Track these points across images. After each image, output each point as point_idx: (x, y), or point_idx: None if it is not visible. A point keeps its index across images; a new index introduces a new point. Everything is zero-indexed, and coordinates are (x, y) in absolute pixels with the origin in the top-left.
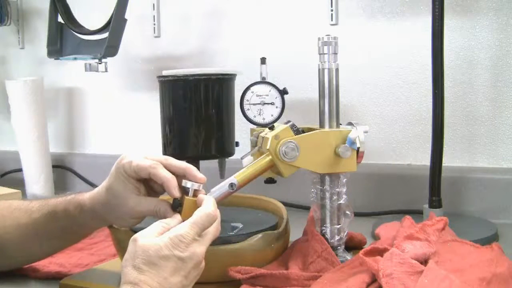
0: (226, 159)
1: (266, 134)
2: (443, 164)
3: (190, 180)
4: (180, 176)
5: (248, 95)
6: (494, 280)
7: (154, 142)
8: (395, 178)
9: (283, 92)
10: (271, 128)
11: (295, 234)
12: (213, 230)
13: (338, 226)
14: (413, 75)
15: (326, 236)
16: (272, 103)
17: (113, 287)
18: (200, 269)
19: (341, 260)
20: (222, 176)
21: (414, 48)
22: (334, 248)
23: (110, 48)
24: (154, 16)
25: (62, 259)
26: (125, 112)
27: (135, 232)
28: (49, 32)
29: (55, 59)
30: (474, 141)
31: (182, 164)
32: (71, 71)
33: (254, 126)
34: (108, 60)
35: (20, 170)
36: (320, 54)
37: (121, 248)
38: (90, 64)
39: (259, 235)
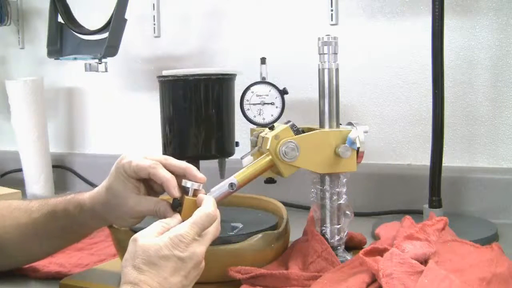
0: (226, 159)
1: (266, 134)
2: (443, 164)
3: (190, 180)
4: (180, 176)
5: (248, 95)
6: (494, 280)
7: (154, 142)
8: (395, 178)
9: (283, 92)
10: (271, 128)
11: (295, 234)
12: (213, 230)
13: (338, 226)
14: (413, 75)
15: (326, 236)
16: (272, 103)
17: (113, 287)
18: (200, 269)
19: (341, 260)
20: (222, 176)
21: (414, 48)
22: (334, 248)
23: (110, 48)
24: (154, 16)
25: (62, 259)
26: (125, 112)
27: (135, 232)
28: (49, 32)
29: (55, 59)
30: (474, 141)
31: (182, 164)
32: (71, 71)
33: (254, 126)
34: (108, 60)
35: (20, 170)
36: (320, 54)
37: (121, 248)
38: (90, 64)
39: (259, 235)
